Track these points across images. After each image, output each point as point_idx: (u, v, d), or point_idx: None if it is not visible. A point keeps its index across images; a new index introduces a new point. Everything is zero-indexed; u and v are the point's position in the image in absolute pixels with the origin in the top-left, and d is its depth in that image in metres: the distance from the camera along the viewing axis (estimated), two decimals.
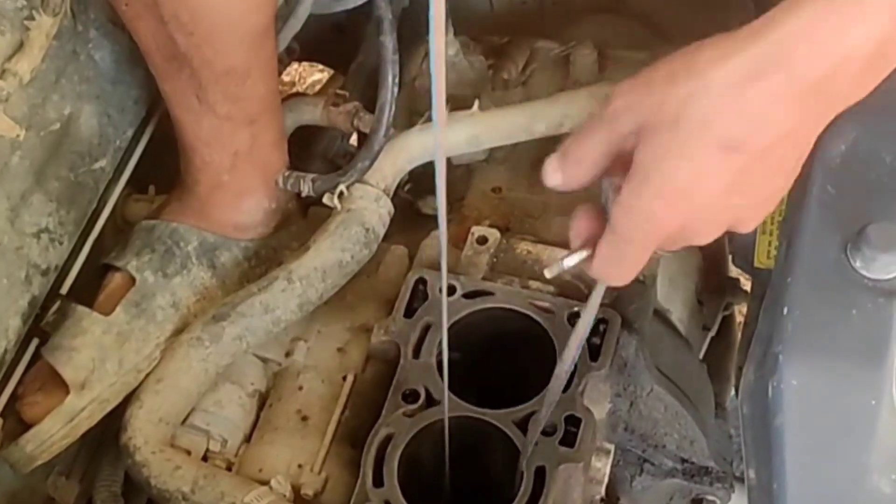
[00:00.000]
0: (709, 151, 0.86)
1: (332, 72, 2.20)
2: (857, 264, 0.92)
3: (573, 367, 1.21)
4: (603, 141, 0.95)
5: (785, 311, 0.91)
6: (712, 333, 1.74)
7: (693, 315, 1.58)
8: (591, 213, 1.00)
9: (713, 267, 1.71)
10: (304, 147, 1.66)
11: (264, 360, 1.43)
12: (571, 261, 1.00)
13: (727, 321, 1.84)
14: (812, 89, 0.84)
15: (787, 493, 0.88)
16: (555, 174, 0.99)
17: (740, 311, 1.98)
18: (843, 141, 0.98)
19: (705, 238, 0.94)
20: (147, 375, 1.37)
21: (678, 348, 1.48)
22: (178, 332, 1.39)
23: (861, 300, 0.90)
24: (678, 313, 1.52)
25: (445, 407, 1.22)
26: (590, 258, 0.99)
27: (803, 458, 0.88)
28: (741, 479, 1.54)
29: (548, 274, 1.03)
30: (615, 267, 0.97)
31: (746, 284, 1.74)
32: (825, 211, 0.95)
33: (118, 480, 1.42)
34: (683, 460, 1.47)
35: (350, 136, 1.78)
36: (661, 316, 1.46)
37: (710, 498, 1.49)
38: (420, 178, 1.58)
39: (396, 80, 1.34)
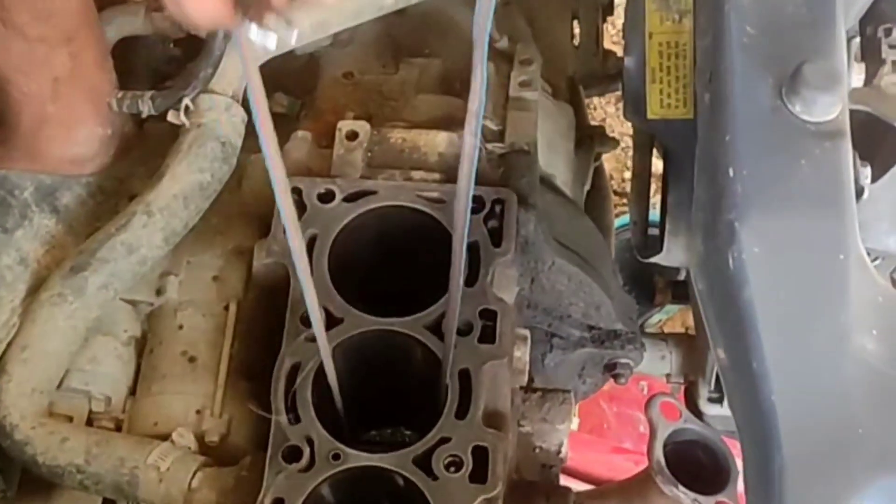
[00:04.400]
0: None
1: None
2: (797, 109, 0.84)
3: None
4: None
5: (730, 172, 0.83)
6: (587, 187, 1.68)
7: (576, 175, 1.51)
8: None
9: (576, 118, 1.64)
10: (123, 60, 1.50)
11: (133, 304, 1.30)
12: None
13: (598, 172, 1.78)
14: None
15: (768, 370, 0.81)
16: None
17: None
18: None
19: None
20: (9, 345, 1.22)
21: (570, 214, 1.41)
22: (33, 290, 1.25)
23: (808, 147, 0.83)
24: (562, 176, 1.45)
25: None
26: None
27: (779, 329, 0.82)
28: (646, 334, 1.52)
29: None
30: None
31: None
32: (749, 54, 0.87)
33: None
34: (591, 327, 1.41)
35: (171, 39, 1.62)
36: (547, 183, 1.38)
37: (623, 361, 1.44)
38: (265, 75, 1.45)
39: None
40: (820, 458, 0.81)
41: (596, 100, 2.66)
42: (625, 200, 2.62)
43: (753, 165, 0.83)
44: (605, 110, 2.77)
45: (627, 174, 2.73)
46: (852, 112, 0.88)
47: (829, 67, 0.84)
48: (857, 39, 0.94)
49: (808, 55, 0.85)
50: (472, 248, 1.18)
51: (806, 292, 0.82)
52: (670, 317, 2.53)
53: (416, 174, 1.27)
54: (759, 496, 0.84)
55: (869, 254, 0.89)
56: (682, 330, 2.48)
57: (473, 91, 0.92)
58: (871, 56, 1.00)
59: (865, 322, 0.82)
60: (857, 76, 0.94)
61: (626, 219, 2.29)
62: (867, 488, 0.81)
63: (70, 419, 1.23)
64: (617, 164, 2.64)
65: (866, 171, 0.87)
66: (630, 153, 2.68)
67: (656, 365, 1.58)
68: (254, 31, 0.77)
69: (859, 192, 0.86)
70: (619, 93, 2.02)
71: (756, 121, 0.85)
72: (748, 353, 0.82)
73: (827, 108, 0.84)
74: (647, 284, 1.79)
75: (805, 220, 0.83)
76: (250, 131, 1.31)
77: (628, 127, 2.80)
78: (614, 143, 1.71)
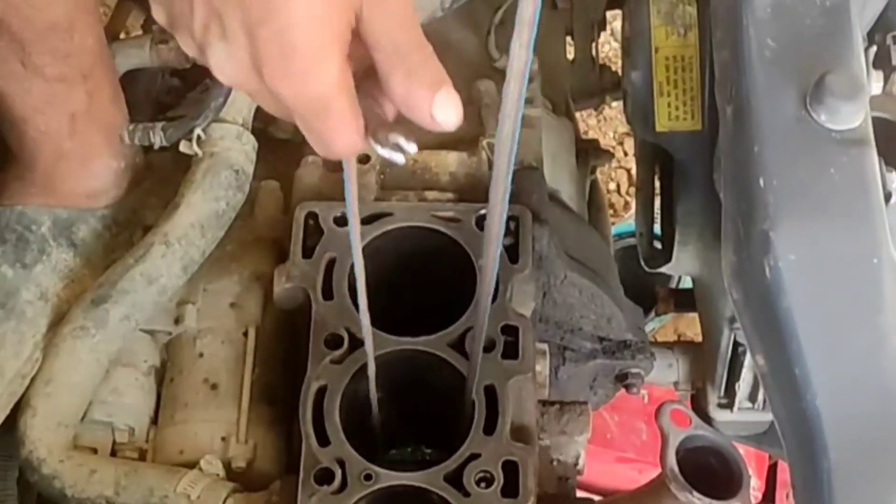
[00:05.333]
0: None
1: None
2: (822, 118, 0.86)
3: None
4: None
5: (761, 183, 0.85)
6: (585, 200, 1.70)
7: (579, 189, 1.53)
8: None
9: None
10: (125, 92, 1.51)
11: (151, 333, 1.31)
12: None
13: (593, 185, 1.80)
14: None
15: (810, 375, 0.83)
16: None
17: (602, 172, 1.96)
18: None
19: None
20: (33, 379, 1.23)
21: (577, 227, 1.43)
22: (54, 325, 1.25)
23: (835, 155, 0.86)
24: (567, 190, 1.46)
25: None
26: None
27: (819, 335, 0.84)
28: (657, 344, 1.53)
29: None
30: None
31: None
32: (771, 67, 0.89)
33: (12, 494, 1.29)
34: (601, 339, 1.43)
35: (170, 70, 1.62)
36: (554, 198, 1.40)
37: (635, 371, 1.46)
38: None
39: None
40: (867, 459, 0.83)
41: (577, 113, 2.68)
42: (611, 211, 2.65)
43: (783, 175, 0.85)
44: (587, 123, 2.79)
45: (612, 185, 2.76)
46: (872, 119, 0.90)
47: (850, 76, 0.86)
48: (874, 49, 0.97)
49: (830, 65, 0.87)
50: None
51: (843, 297, 0.84)
52: (662, 325, 2.55)
53: (430, 194, 1.28)
54: (808, 501, 0.86)
55: None
56: (675, 338, 2.50)
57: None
58: (882, 64, 1.02)
59: None
60: (875, 84, 0.97)
61: (615, 229, 2.32)
62: None
63: (94, 451, 1.23)
64: (601, 177, 2.66)
65: (892, 177, 0.90)
66: (613, 165, 2.71)
67: (664, 373, 1.59)
68: (382, 150, 0.79)
69: (888, 197, 0.88)
70: (602, 106, 2.05)
71: (782, 131, 0.87)
72: (789, 359, 0.84)
73: (851, 116, 0.86)
74: (640, 293, 1.81)
75: (838, 226, 0.85)
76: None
77: (610, 139, 2.84)
78: (609, 156, 1.73)
